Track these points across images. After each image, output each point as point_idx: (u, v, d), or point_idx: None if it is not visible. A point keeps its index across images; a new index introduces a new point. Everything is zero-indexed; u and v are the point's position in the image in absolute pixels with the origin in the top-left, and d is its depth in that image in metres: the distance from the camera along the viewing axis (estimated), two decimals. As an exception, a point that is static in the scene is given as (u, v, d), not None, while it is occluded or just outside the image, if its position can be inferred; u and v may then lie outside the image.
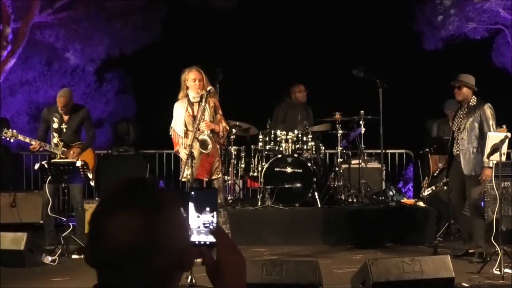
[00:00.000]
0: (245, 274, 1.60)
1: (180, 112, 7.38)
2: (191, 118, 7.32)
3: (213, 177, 7.39)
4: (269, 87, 11.86)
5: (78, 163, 7.84)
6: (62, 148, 8.22)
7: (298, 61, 13.10)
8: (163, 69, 13.01)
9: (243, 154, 9.76)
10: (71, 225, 7.90)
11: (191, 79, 7.31)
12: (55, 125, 8.30)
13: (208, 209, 1.71)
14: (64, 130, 8.33)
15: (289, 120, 10.31)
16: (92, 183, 8.46)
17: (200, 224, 1.69)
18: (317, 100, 10.85)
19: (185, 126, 7.34)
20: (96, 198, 9.75)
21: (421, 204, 9.53)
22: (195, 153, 7.14)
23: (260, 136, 9.58)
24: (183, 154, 7.27)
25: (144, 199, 1.47)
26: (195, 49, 12.82)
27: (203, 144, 7.16)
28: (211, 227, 1.69)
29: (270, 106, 10.64)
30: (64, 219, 8.01)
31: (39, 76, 12.70)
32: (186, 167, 7.01)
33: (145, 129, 11.74)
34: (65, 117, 8.37)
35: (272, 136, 9.49)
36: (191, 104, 7.38)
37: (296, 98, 10.40)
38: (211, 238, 1.65)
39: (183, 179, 7.10)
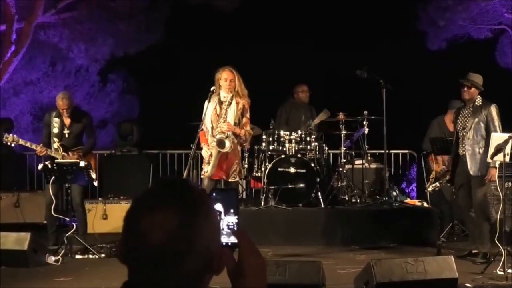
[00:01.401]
0: (266, 276, 1.61)
1: (209, 110, 7.46)
2: (217, 117, 7.39)
3: (230, 180, 7.43)
4: (272, 87, 11.85)
5: (82, 164, 7.85)
6: (63, 153, 8.22)
7: (301, 61, 13.10)
8: (167, 69, 13.05)
9: (246, 154, 9.76)
10: (74, 225, 7.92)
11: (223, 78, 7.45)
12: (55, 130, 8.30)
13: (232, 210, 1.73)
14: (66, 135, 8.33)
15: (293, 121, 10.31)
16: (95, 183, 8.47)
17: (224, 226, 1.70)
18: (321, 101, 10.85)
19: (212, 123, 7.40)
20: (99, 198, 9.74)
21: (424, 204, 9.52)
22: (214, 152, 7.19)
23: (264, 136, 9.58)
24: (204, 153, 7.38)
25: (182, 200, 1.48)
26: (198, 49, 12.84)
27: (220, 143, 7.22)
28: (234, 228, 1.70)
29: (273, 106, 10.64)
30: (68, 219, 8.01)
31: (43, 76, 12.71)
32: (206, 166, 7.10)
33: (149, 129, 11.74)
34: (67, 121, 8.36)
35: (276, 136, 9.48)
36: (220, 103, 7.46)
37: (299, 98, 10.42)
38: (233, 239, 1.66)
39: (201, 176, 7.18)
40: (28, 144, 8.13)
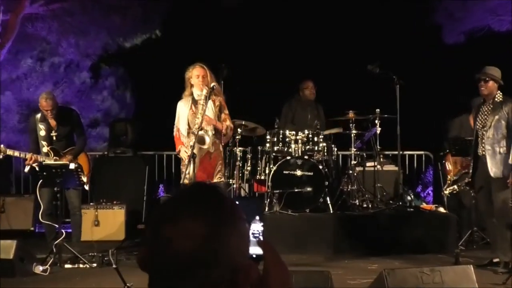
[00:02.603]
0: None
1: (183, 111, 7.49)
2: (195, 117, 7.36)
3: (215, 180, 7.39)
4: (277, 84, 11.82)
5: (72, 166, 7.82)
6: (54, 157, 8.20)
7: (308, 56, 13.06)
8: (164, 65, 13.01)
9: (249, 156, 9.75)
10: (63, 232, 7.88)
11: (195, 75, 7.46)
12: (43, 133, 8.26)
13: (257, 217, 1.72)
14: (55, 138, 8.30)
15: (299, 120, 10.30)
16: (86, 187, 8.44)
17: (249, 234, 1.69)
18: (329, 98, 10.82)
19: (188, 125, 7.40)
20: (91, 203, 9.71)
21: (441, 209, 9.48)
22: (195, 150, 7.16)
23: (268, 137, 9.56)
24: (183, 154, 7.33)
25: (211, 208, 1.49)
26: (198, 44, 12.81)
27: (201, 140, 7.21)
28: (260, 237, 1.69)
29: (278, 104, 10.62)
30: (57, 225, 7.97)
31: (30, 72, 12.68)
32: (188, 168, 7.02)
33: (144, 129, 11.72)
34: (52, 123, 8.31)
35: (281, 136, 9.46)
36: (195, 102, 7.46)
37: (305, 95, 10.42)
38: (258, 250, 1.64)
39: (185, 181, 7.11)
40: (17, 154, 8.10)
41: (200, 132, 7.20)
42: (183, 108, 7.54)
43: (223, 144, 7.80)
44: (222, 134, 7.54)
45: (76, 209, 8.40)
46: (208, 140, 7.28)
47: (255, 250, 1.65)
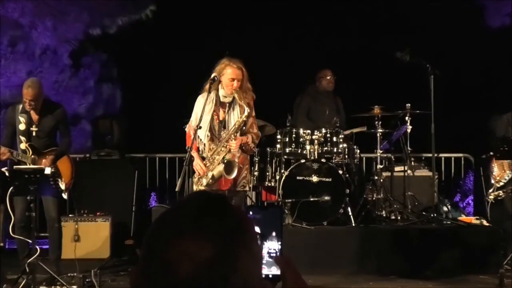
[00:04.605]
0: None
1: (205, 111, 7.27)
2: (217, 122, 7.31)
3: (237, 189, 7.37)
4: (290, 75, 11.79)
5: (47, 170, 7.79)
6: (32, 156, 8.20)
7: (326, 42, 13.02)
8: (156, 52, 12.99)
9: (256, 159, 9.76)
10: (38, 249, 7.86)
11: (229, 77, 7.27)
12: (22, 127, 8.27)
13: (274, 233, 1.72)
14: (34, 133, 8.30)
15: (315, 116, 10.29)
16: (64, 196, 8.41)
17: (264, 253, 1.68)
18: (351, 91, 10.79)
19: (210, 130, 7.29)
20: (70, 215, 9.70)
21: (483, 222, 9.44)
22: (215, 173, 7.15)
23: (279, 136, 9.56)
24: (197, 166, 7.23)
25: (220, 225, 1.47)
26: (196, 27, 12.78)
27: (229, 167, 7.13)
28: (277, 256, 1.68)
29: (290, 98, 10.61)
30: (30, 241, 7.96)
31: (0, 60, 12.70)
32: (197, 181, 7.05)
33: (133, 127, 11.72)
34: (35, 117, 8.33)
35: (294, 136, 9.47)
36: (221, 104, 7.35)
37: (322, 86, 10.44)
38: (274, 270, 1.63)
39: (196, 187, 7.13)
40: None
41: (230, 159, 7.14)
42: (204, 107, 7.27)
43: (252, 149, 7.74)
44: (250, 147, 7.49)
45: (54, 221, 8.39)
46: (235, 170, 7.18)
47: (271, 270, 1.64)
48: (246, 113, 7.20)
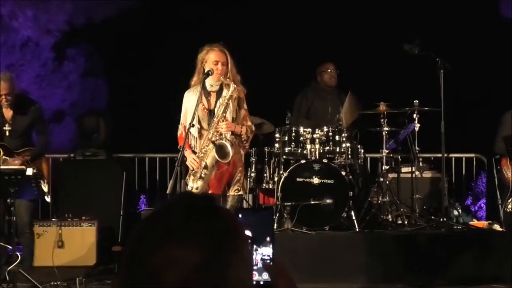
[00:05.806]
0: None
1: (192, 104, 7.37)
2: (207, 112, 7.35)
3: (231, 193, 7.40)
4: (289, 69, 11.82)
5: (29, 171, 7.81)
6: (4, 157, 8.21)
7: (328, 34, 13.04)
8: (146, 43, 13.02)
9: (253, 160, 9.76)
10: (19, 256, 7.89)
11: (212, 60, 7.36)
12: None
13: (268, 239, 1.74)
14: (8, 133, 8.30)
15: (316, 113, 10.31)
16: (47, 199, 8.44)
17: (257, 259, 1.70)
18: (354, 87, 10.82)
19: (199, 123, 7.34)
20: (53, 219, 9.71)
21: (497, 227, 9.47)
22: (209, 162, 7.17)
23: (277, 135, 9.56)
24: (190, 161, 7.29)
25: (209, 230, 1.48)
26: (191, 18, 12.81)
27: (221, 150, 7.18)
28: (269, 262, 1.70)
29: (290, 94, 10.62)
30: (10, 247, 7.99)
31: (-23, 53, 12.75)
32: (193, 178, 7.07)
33: (121, 124, 11.72)
34: (8, 114, 8.32)
35: (293, 134, 9.46)
36: (207, 93, 7.41)
37: (324, 81, 10.45)
38: (266, 277, 1.65)
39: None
40: None
41: (221, 142, 7.18)
42: (191, 101, 7.44)
43: (246, 147, 7.79)
44: (242, 139, 7.53)
45: (26, 227, 8.41)
46: (230, 153, 7.22)
47: (262, 276, 1.66)
48: (232, 88, 7.24)
